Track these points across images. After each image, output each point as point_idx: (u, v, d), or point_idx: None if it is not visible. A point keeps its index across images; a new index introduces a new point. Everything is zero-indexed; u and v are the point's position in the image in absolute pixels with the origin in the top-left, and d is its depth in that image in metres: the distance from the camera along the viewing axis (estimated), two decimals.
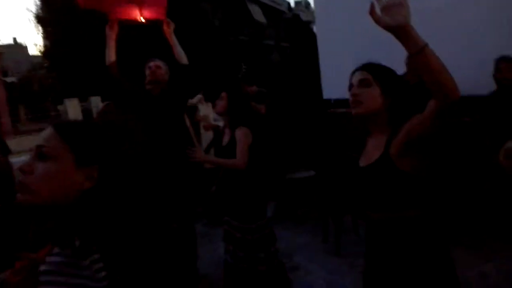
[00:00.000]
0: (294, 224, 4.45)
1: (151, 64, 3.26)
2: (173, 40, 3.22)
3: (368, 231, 1.60)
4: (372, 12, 1.15)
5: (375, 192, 1.49)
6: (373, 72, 1.51)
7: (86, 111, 14.49)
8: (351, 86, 1.54)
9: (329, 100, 5.97)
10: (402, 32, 1.16)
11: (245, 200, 2.60)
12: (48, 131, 0.98)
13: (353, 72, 1.57)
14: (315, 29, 6.51)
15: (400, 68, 3.90)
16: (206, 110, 5.67)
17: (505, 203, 3.25)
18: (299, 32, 25.63)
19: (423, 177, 1.43)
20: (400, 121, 1.42)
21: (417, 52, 1.16)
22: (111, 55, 3.16)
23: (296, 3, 41.39)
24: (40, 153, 0.94)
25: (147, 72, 3.26)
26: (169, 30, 3.21)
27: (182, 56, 3.23)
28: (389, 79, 1.51)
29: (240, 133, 2.55)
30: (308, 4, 38.95)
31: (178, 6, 12.41)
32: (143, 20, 3.16)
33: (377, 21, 1.16)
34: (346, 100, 5.28)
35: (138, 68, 3.47)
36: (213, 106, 4.30)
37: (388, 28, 1.16)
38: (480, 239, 3.67)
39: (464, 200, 3.83)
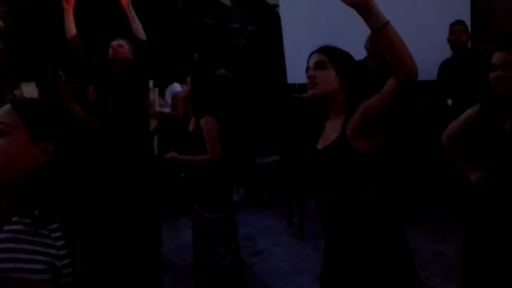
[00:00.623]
0: (259, 208, 4.51)
1: (114, 43, 3.18)
2: (131, 14, 3.11)
3: (326, 213, 1.64)
4: None
5: (332, 174, 1.52)
6: (328, 54, 1.55)
7: (43, 95, 13.93)
8: (308, 69, 1.57)
9: (293, 85, 6.01)
10: (365, 8, 1.20)
11: (211, 188, 2.55)
12: (5, 108, 1.02)
13: (310, 55, 1.60)
14: (279, 12, 6.49)
15: (362, 52, 3.98)
16: (152, 96, 5.55)
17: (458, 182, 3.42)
18: (264, 16, 25.49)
19: (378, 157, 1.47)
20: (356, 102, 1.47)
21: (380, 28, 1.21)
22: (70, 29, 3.06)
23: None
24: None
25: (110, 51, 3.17)
26: (126, 2, 3.10)
27: (140, 31, 3.14)
28: (345, 61, 1.55)
29: (206, 123, 2.47)
30: None
31: None
32: None
33: None
34: None
35: (99, 45, 3.36)
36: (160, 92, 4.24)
37: (351, 4, 1.20)
38: (436, 218, 3.85)
39: (419, 178, 3.99)
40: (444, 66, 3.72)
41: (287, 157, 4.41)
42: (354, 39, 4.05)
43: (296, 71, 5.93)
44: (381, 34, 1.22)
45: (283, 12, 6.27)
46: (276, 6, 7.79)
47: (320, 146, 1.58)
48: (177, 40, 13.09)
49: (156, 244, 3.33)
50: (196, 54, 4.79)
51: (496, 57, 1.84)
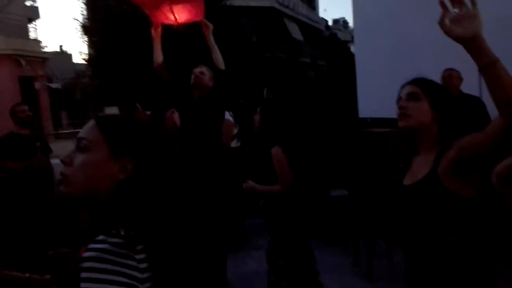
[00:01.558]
0: (324, 244, 4.36)
1: (196, 70, 3.34)
2: (211, 43, 3.26)
3: (407, 254, 1.53)
4: (442, 22, 1.14)
5: (419, 213, 1.43)
6: (422, 86, 1.48)
7: None
8: (399, 99, 1.51)
9: (365, 119, 5.89)
10: (474, 43, 1.13)
11: (280, 220, 2.48)
12: (90, 123, 1.04)
13: (403, 86, 1.54)
14: (352, 48, 6.49)
15: None
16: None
17: None
18: (336, 51, 25.60)
19: (471, 200, 1.36)
20: (450, 138, 1.38)
21: (488, 65, 1.12)
22: (158, 56, 3.27)
23: (334, 21, 41.47)
24: (79, 145, 1.00)
25: (192, 77, 3.33)
26: (207, 31, 3.26)
27: (219, 60, 3.27)
28: (439, 93, 1.49)
29: (275, 154, 2.44)
30: (346, 23, 38.95)
31: (216, 21, 12.64)
32: (180, 22, 3.24)
33: (448, 32, 1.14)
34: (383, 119, 5.23)
35: (182, 72, 3.54)
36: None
37: (459, 39, 1.14)
38: None
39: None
40: None
41: (357, 193, 4.25)
42: (429, 73, 3.93)
43: (367, 105, 5.83)
44: (489, 72, 1.13)
45: (357, 46, 6.26)
46: (348, 41, 7.81)
47: (407, 182, 1.50)
48: (250, 72, 13.49)
49: (222, 269, 3.34)
50: (265, 89, 4.86)
51: None
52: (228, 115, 4.51)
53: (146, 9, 3.22)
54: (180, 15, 3.17)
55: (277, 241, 2.46)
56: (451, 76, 3.82)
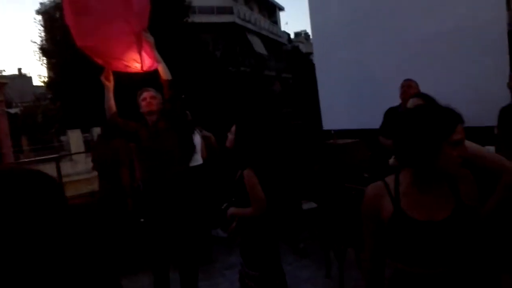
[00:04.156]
0: (295, 257, 4.36)
1: (146, 95, 3.32)
2: (156, 56, 3.23)
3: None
4: None
5: (451, 246, 1.38)
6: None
7: (88, 142, 14.54)
8: (459, 142, 1.40)
9: (329, 131, 5.98)
10: None
11: (252, 243, 2.44)
12: None
13: (459, 122, 1.41)
14: (313, 60, 6.60)
15: (396, 99, 3.96)
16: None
17: None
18: (299, 63, 26.04)
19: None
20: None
21: None
22: (111, 107, 3.23)
23: (296, 34, 42.28)
24: None
25: (143, 103, 3.30)
26: (149, 44, 3.20)
27: (166, 71, 3.26)
28: None
29: (247, 177, 2.41)
30: (308, 36, 39.79)
31: (178, 37, 12.63)
32: (145, 70, 3.23)
33: None
34: (346, 130, 5.31)
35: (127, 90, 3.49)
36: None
37: None
38: None
39: None
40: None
41: (326, 205, 4.29)
42: (387, 84, 4.08)
43: (331, 117, 5.93)
44: None
45: (317, 59, 6.36)
46: (310, 53, 7.96)
47: (424, 217, 1.42)
48: (215, 87, 13.48)
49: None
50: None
51: None
52: (196, 133, 4.52)
53: (99, 60, 3.17)
54: (145, 62, 3.16)
55: (250, 263, 2.43)
56: (410, 86, 3.93)
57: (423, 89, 3.96)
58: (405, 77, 4.00)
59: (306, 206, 4.83)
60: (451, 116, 1.41)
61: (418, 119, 1.41)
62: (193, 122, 4.63)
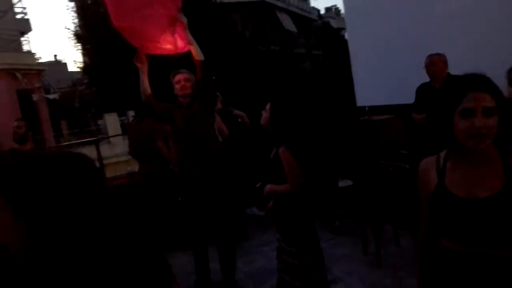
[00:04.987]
0: (331, 235, 4.37)
1: (179, 77, 3.35)
2: (189, 37, 3.23)
3: (453, 267, 1.42)
4: None
5: (497, 226, 1.31)
6: (496, 97, 1.27)
7: (124, 125, 14.93)
8: (471, 111, 1.28)
9: (363, 108, 5.88)
10: None
11: (289, 219, 2.46)
12: None
13: (469, 90, 1.29)
14: (346, 36, 6.45)
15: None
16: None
17: None
18: (330, 40, 25.48)
19: None
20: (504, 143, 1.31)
21: None
22: (146, 89, 3.28)
23: (326, 10, 41.26)
24: None
25: (177, 86, 3.34)
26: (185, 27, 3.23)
27: (198, 52, 3.27)
28: (503, 101, 1.30)
29: (283, 154, 2.40)
30: (338, 11, 38.76)
31: (207, 19, 12.62)
32: (180, 51, 3.25)
33: None
34: (381, 106, 5.20)
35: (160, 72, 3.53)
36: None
37: None
38: None
39: None
40: None
41: (361, 182, 4.26)
42: (423, 57, 3.94)
43: (365, 93, 5.81)
44: None
45: (350, 34, 6.21)
46: (341, 29, 7.77)
47: (465, 195, 1.36)
48: (245, 68, 13.45)
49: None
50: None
51: None
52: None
53: (134, 42, 3.20)
54: (178, 43, 3.18)
55: (287, 239, 2.45)
56: (433, 64, 3.84)
57: (457, 62, 3.82)
58: (440, 50, 3.85)
59: (341, 183, 4.80)
60: (462, 83, 1.30)
61: (439, 93, 1.34)
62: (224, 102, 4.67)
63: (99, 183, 0.97)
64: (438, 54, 3.85)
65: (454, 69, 3.74)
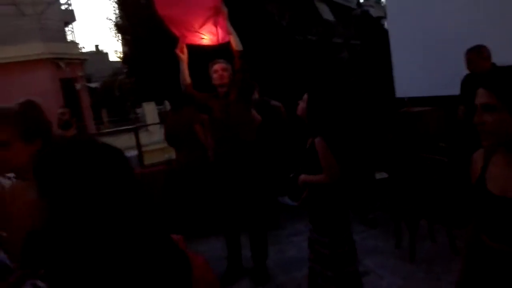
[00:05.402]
0: (364, 227, 4.33)
1: (217, 67, 3.38)
2: (228, 26, 3.26)
3: (486, 260, 1.41)
4: None
5: None
6: (499, 93, 1.25)
7: (161, 114, 15.27)
8: (476, 108, 1.32)
9: (402, 99, 5.73)
10: None
11: (322, 210, 2.45)
12: None
13: (480, 86, 1.33)
14: (386, 25, 6.27)
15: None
16: None
17: None
18: (369, 29, 24.83)
19: None
20: None
21: None
22: (186, 79, 3.34)
23: None
24: None
25: (215, 76, 3.37)
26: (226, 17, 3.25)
27: (237, 42, 3.29)
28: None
29: (319, 145, 2.39)
30: None
31: (244, 10, 12.57)
32: (221, 42, 3.28)
33: None
34: (421, 98, 5.09)
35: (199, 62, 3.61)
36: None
37: None
38: None
39: None
40: None
41: (397, 174, 4.17)
42: (465, 48, 3.78)
43: (404, 84, 5.66)
44: None
45: (390, 23, 6.05)
46: (380, 18, 7.56)
47: (497, 191, 1.33)
48: (282, 58, 13.32)
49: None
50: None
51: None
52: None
53: (177, 31, 3.25)
54: (220, 34, 3.21)
55: (320, 229, 2.45)
56: (470, 61, 3.70)
57: (501, 52, 3.64)
58: (482, 42, 3.68)
59: (378, 176, 4.73)
60: (479, 80, 1.31)
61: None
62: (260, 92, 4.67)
63: (126, 172, 1.00)
64: (477, 51, 3.67)
65: (500, 59, 3.58)
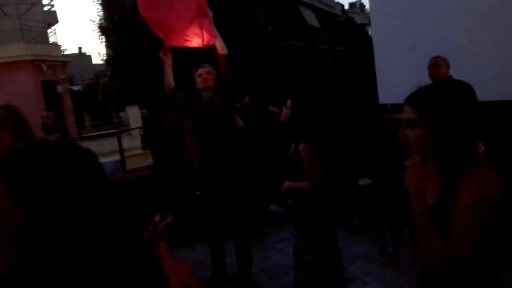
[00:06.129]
0: (348, 234, 4.33)
1: (201, 71, 3.35)
2: (213, 30, 3.23)
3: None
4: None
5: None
6: (420, 110, 1.35)
7: (145, 118, 15.11)
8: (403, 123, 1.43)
9: (386, 105, 5.78)
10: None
11: (307, 217, 2.44)
12: None
13: (404, 104, 1.44)
14: (370, 32, 6.35)
15: (461, 72, 3.73)
16: None
17: None
18: (353, 36, 25.14)
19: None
20: (454, 165, 1.30)
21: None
22: (170, 82, 3.30)
23: (350, 5, 40.71)
24: None
25: (199, 79, 3.34)
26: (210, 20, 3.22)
27: (223, 46, 3.27)
28: (439, 116, 1.31)
29: (303, 151, 2.38)
30: (363, 6, 38.20)
31: (230, 13, 12.59)
32: (205, 44, 3.25)
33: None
34: (404, 105, 5.03)
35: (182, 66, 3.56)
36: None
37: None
38: None
39: None
40: None
41: (381, 181, 4.19)
42: (449, 56, 3.84)
43: (388, 91, 5.71)
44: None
45: (374, 30, 6.11)
46: (365, 25, 7.64)
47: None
48: (267, 63, 13.40)
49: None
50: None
51: None
52: None
53: (161, 33, 3.21)
54: (205, 36, 3.18)
55: (305, 237, 2.44)
56: (437, 64, 3.77)
57: (489, 60, 3.70)
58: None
59: (361, 182, 4.75)
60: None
61: None
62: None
63: (98, 176, 1.00)
64: (442, 58, 3.78)
65: (485, 65, 3.66)
